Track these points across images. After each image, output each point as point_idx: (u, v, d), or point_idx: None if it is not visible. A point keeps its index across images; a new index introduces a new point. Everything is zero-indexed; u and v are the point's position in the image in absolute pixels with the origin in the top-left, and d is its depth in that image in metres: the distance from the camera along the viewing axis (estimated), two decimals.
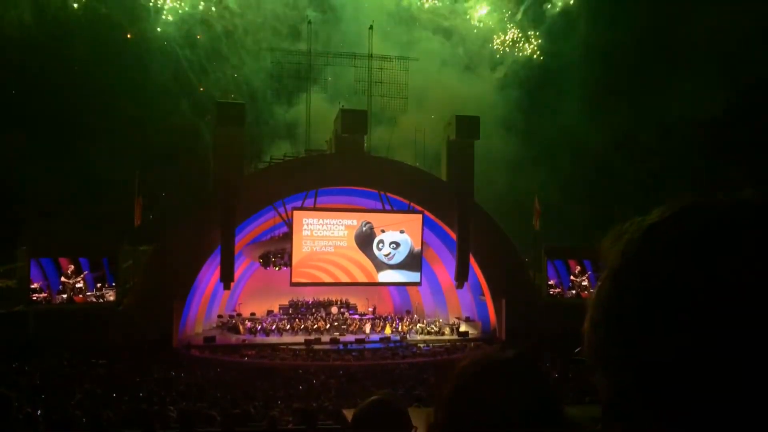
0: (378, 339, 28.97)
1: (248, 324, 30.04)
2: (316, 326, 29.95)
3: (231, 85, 44.01)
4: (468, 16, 48.31)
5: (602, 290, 0.68)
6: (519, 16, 48.12)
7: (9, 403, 2.75)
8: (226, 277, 28.04)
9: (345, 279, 31.18)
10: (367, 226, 30.77)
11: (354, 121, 30.12)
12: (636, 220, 0.69)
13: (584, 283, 30.97)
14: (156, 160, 36.65)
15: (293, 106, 38.48)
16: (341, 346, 27.57)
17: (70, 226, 32.20)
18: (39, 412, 11.17)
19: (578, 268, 31.25)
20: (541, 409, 1.09)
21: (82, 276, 26.34)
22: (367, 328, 30.37)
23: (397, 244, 30.91)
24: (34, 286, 25.59)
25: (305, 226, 30.01)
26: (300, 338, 28.46)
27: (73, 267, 26.21)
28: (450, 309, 33.47)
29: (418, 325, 31.43)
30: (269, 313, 32.06)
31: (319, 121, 33.66)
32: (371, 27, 35.32)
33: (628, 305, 0.63)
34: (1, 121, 36.46)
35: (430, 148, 34.35)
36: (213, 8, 44.15)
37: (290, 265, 29.91)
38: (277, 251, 30.38)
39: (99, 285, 26.60)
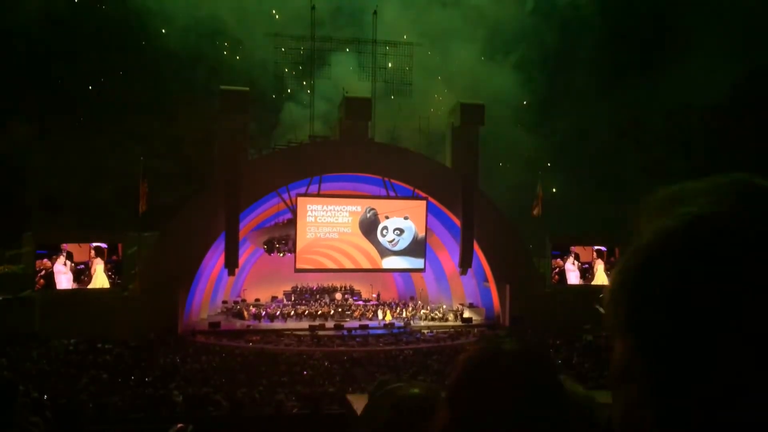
0: (382, 325, 29.07)
1: (253, 310, 30.14)
2: (320, 312, 30.05)
3: (245, 67, 43.57)
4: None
5: (630, 264, 0.66)
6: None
7: (14, 388, 2.77)
8: (231, 263, 28.11)
9: (349, 265, 31.22)
10: (371, 212, 30.76)
11: (358, 108, 30.07)
12: (685, 190, 0.66)
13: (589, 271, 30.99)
14: (161, 146, 36.67)
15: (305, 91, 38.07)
16: (345, 332, 27.66)
17: (75, 212, 32.32)
18: (45, 397, 11.26)
19: (574, 255, 31.21)
20: (546, 399, 1.07)
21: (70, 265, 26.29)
22: (380, 313, 30.40)
23: (401, 231, 30.90)
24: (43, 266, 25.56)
25: (309, 213, 30.01)
26: (304, 324, 28.57)
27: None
28: (454, 295, 33.52)
29: (422, 311, 31.50)
30: (273, 299, 32.17)
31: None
32: (375, 12, 35.07)
33: (662, 291, 0.61)
34: (6, 110, 36.49)
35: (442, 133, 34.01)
36: None
37: (294, 251, 29.95)
38: (282, 237, 30.43)
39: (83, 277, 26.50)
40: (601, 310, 0.70)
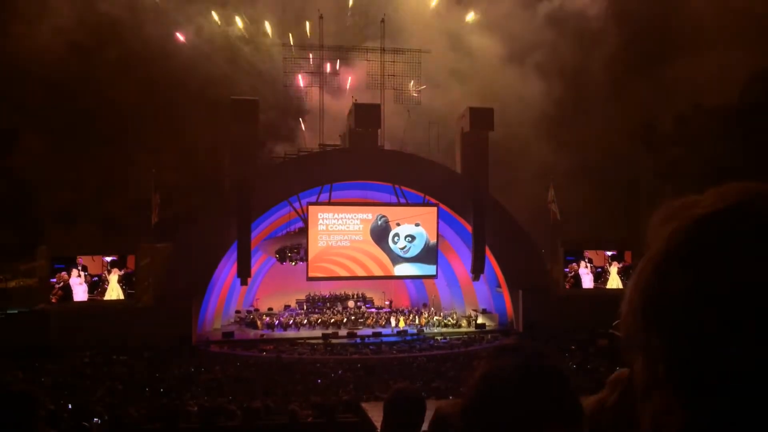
0: (395, 332, 29.03)
1: (266, 319, 30.20)
2: (333, 320, 30.06)
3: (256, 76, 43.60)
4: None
5: (643, 274, 0.66)
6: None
7: (34, 401, 2.78)
8: (243, 273, 28.20)
9: (361, 273, 31.22)
10: (383, 219, 30.77)
11: (367, 116, 30.13)
12: (689, 200, 0.66)
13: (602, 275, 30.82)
14: (172, 157, 36.81)
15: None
16: (358, 340, 27.65)
17: (88, 224, 32.53)
18: (63, 408, 11.32)
19: (587, 259, 31.06)
20: (557, 412, 1.06)
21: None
22: (393, 321, 30.40)
23: (413, 237, 30.88)
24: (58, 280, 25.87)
25: (320, 221, 30.07)
26: (317, 332, 28.58)
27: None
28: (467, 301, 33.41)
29: (435, 317, 31.43)
30: (286, 307, 32.21)
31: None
32: (383, 20, 35.16)
33: (673, 298, 0.61)
34: (19, 124, 36.83)
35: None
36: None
37: (306, 260, 30.00)
38: (293, 246, 30.48)
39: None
40: (617, 332, 0.69)
